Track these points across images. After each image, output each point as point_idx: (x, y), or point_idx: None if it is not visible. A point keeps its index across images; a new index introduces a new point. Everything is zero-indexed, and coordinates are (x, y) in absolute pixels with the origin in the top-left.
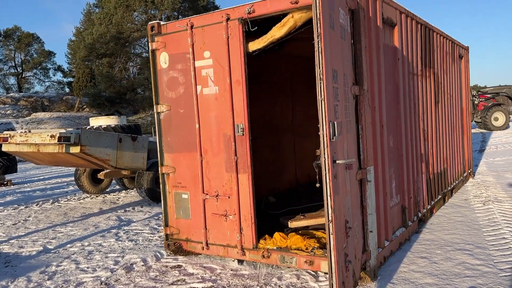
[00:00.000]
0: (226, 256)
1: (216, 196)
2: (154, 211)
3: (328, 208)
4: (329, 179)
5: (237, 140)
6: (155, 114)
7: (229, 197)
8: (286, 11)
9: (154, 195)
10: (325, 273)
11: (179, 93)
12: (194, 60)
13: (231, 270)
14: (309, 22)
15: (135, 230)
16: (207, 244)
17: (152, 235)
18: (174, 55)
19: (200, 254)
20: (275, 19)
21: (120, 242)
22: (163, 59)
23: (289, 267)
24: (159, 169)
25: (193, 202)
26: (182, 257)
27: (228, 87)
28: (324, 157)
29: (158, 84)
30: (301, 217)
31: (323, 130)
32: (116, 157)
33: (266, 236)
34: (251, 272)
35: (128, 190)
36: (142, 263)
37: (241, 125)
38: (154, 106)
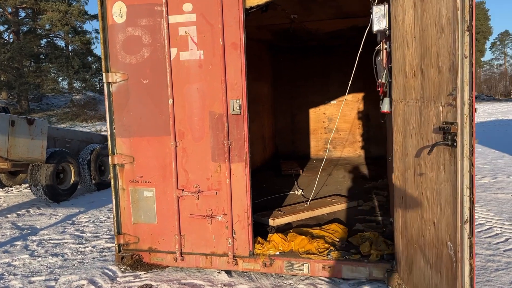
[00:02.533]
0: (209, 267)
1: (197, 192)
2: (60, 213)
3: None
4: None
5: (230, 120)
6: (105, 85)
7: (216, 193)
8: None
9: (54, 193)
10: (346, 279)
11: (142, 57)
12: (167, 15)
13: (224, 285)
14: None
15: (50, 240)
16: (181, 254)
17: (82, 246)
18: (136, 6)
19: (169, 267)
20: None
21: (39, 258)
22: (117, 11)
23: (294, 275)
24: (110, 159)
25: (160, 201)
26: (145, 273)
27: (219, 52)
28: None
29: (109, 45)
30: (280, 213)
31: None
32: (8, 145)
33: (259, 238)
34: (252, 286)
35: (7, 189)
36: (93, 287)
37: (238, 101)
38: (104, 74)
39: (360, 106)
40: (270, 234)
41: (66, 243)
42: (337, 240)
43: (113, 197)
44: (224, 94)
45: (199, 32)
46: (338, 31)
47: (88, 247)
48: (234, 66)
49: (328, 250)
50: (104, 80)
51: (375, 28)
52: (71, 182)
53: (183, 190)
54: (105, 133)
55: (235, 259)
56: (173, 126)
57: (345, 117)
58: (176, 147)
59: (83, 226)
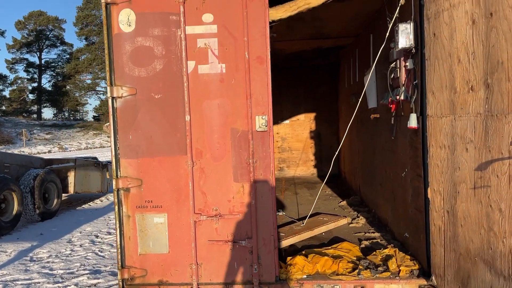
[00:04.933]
0: None
1: (217, 216)
2: (9, 249)
3: None
4: None
5: (255, 138)
6: (109, 100)
7: (239, 216)
8: None
9: None
10: None
11: (154, 70)
12: (185, 25)
13: None
14: None
15: (16, 281)
16: (198, 285)
17: (61, 285)
18: (147, 14)
19: None
20: None
21: None
22: (124, 19)
23: None
24: (113, 183)
25: (173, 227)
26: None
27: (244, 66)
28: None
29: (114, 56)
30: (282, 234)
31: None
32: None
33: (280, 263)
34: None
35: None
36: None
37: (264, 117)
38: (108, 88)
39: (312, 125)
40: (290, 257)
41: (39, 283)
42: (355, 258)
43: (116, 226)
44: (248, 110)
45: (221, 45)
46: (300, 52)
47: (70, 286)
48: (260, 81)
49: (357, 270)
50: (108, 95)
51: (401, 45)
52: (14, 212)
53: (200, 214)
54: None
55: (261, 286)
56: (190, 144)
57: (298, 136)
58: (193, 167)
59: (48, 262)
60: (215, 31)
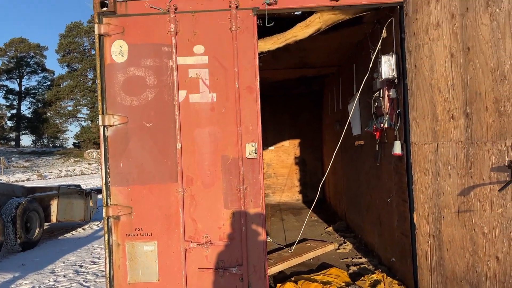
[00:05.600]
0: None
1: (208, 243)
2: None
3: None
4: None
5: (245, 164)
6: (100, 128)
7: (230, 243)
8: (315, 9)
9: None
10: None
11: (146, 99)
12: (176, 56)
13: None
14: (333, 26)
15: None
16: None
17: None
18: (139, 45)
19: None
20: (285, 17)
21: None
22: (117, 50)
23: None
24: (104, 211)
25: (164, 255)
26: None
27: (234, 95)
28: None
29: (106, 85)
30: (270, 261)
31: None
32: None
33: None
34: None
35: None
36: None
37: (254, 145)
38: (100, 117)
39: (297, 151)
40: (279, 284)
41: None
42: (344, 284)
43: (106, 254)
44: (239, 138)
45: (212, 75)
46: (285, 80)
47: None
48: (249, 110)
49: None
50: (100, 123)
51: (384, 76)
52: None
53: (191, 241)
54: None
55: None
56: (181, 172)
57: (283, 162)
58: (183, 194)
59: None
60: (206, 61)
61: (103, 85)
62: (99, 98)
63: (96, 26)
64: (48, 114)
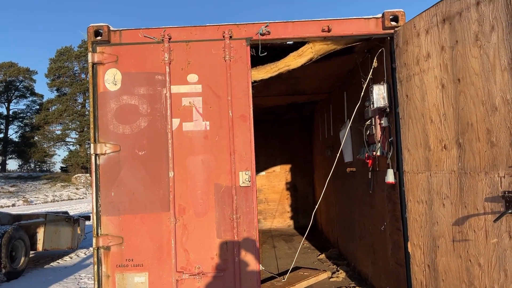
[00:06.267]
0: None
1: (200, 274)
2: None
3: None
4: None
5: (239, 193)
6: (92, 157)
7: (222, 274)
8: (308, 39)
9: None
10: None
11: (139, 127)
12: (170, 84)
13: None
14: (325, 56)
15: None
16: None
17: None
18: (133, 74)
19: None
20: (277, 46)
21: None
22: (110, 78)
23: None
24: (94, 241)
25: (155, 286)
26: None
27: (227, 123)
28: None
29: (99, 113)
30: None
31: None
32: None
33: None
34: None
35: None
36: None
37: (248, 173)
38: (91, 145)
39: (288, 177)
40: None
41: None
42: None
43: (95, 286)
44: (232, 166)
45: (205, 103)
46: (276, 106)
47: None
48: (243, 138)
49: None
50: (92, 152)
51: (376, 105)
52: None
53: (183, 272)
54: (12, 211)
55: None
56: (173, 200)
57: (274, 188)
58: (175, 224)
59: None
60: (199, 90)
61: (96, 113)
62: (91, 126)
63: (89, 55)
64: (36, 138)
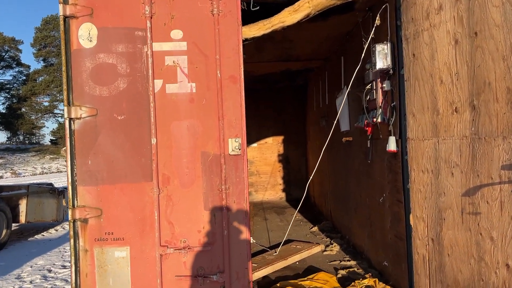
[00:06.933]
0: None
1: (186, 248)
2: None
3: None
4: None
5: (228, 162)
6: (66, 121)
7: (210, 248)
8: None
9: None
10: None
11: (117, 89)
12: (151, 41)
13: None
14: (322, 14)
15: None
16: None
17: None
18: (110, 29)
19: None
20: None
21: None
22: (84, 34)
23: None
24: (69, 213)
25: (137, 262)
26: None
27: (215, 85)
28: None
29: (72, 73)
30: (254, 265)
31: None
32: None
33: None
34: None
35: None
36: None
37: (238, 140)
38: (65, 108)
39: (280, 148)
40: None
41: None
42: None
43: (72, 261)
44: (221, 132)
45: (191, 63)
46: (268, 74)
47: None
48: (232, 101)
49: None
50: (66, 116)
51: (378, 66)
52: None
53: (167, 246)
54: None
55: None
56: (156, 170)
57: (266, 160)
58: (159, 195)
59: None
60: (184, 48)
61: (69, 73)
62: (64, 87)
63: (60, 6)
64: (23, 109)
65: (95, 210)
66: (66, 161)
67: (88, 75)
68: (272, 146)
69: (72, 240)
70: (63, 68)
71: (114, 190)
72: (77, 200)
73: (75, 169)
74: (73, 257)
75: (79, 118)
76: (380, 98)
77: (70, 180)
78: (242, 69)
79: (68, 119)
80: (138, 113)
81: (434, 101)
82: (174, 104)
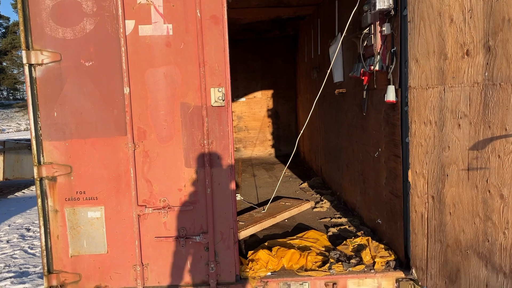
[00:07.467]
0: None
1: (166, 208)
2: None
3: None
4: None
5: (211, 114)
6: (25, 68)
7: (192, 207)
8: None
9: None
10: None
11: (83, 31)
12: None
13: None
14: None
15: None
16: None
17: None
18: None
19: None
20: None
21: None
22: None
23: None
24: (35, 171)
25: (112, 222)
26: None
27: (195, 27)
28: None
29: (30, 12)
30: (241, 223)
31: None
32: None
33: (241, 258)
34: None
35: None
36: None
37: (221, 90)
38: (23, 52)
39: (270, 103)
40: (251, 252)
41: None
42: (324, 249)
43: (40, 223)
44: (202, 81)
45: (167, 1)
46: (257, 22)
47: None
48: (215, 46)
49: (328, 264)
50: (25, 61)
51: (378, 6)
52: None
53: (145, 206)
54: None
55: (219, 287)
56: (131, 122)
57: (255, 115)
58: (134, 150)
59: None
60: None
61: (26, 11)
62: (21, 28)
63: None
64: (4, 64)
65: (64, 167)
66: (27, 113)
67: (48, 14)
68: (261, 100)
69: (39, 200)
70: (19, 6)
71: (84, 145)
72: (43, 156)
73: (39, 122)
74: (41, 218)
75: (41, 64)
76: (378, 43)
77: (34, 134)
78: (226, 8)
79: (27, 65)
80: (108, 59)
81: (442, 44)
82: (148, 49)
